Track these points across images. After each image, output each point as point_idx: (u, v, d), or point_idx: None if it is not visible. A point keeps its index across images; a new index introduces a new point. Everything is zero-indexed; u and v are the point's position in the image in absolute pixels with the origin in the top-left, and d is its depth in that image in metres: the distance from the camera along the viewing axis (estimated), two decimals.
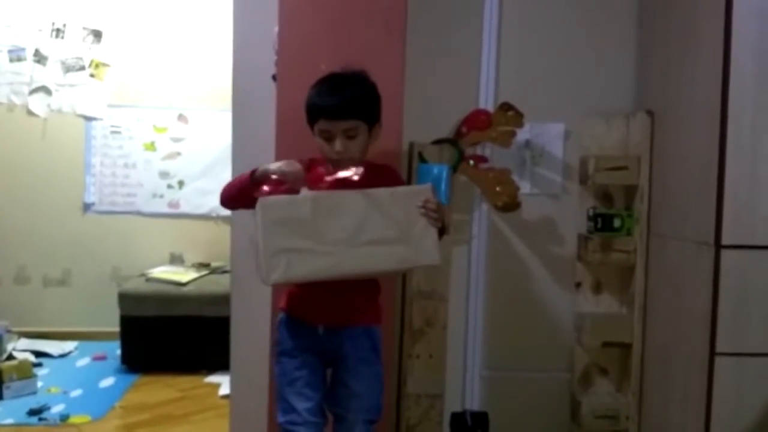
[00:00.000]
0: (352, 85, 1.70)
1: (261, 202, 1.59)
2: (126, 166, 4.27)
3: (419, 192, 1.67)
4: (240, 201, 1.73)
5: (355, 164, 1.69)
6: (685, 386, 2.09)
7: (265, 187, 1.65)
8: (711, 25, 1.97)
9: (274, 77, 2.14)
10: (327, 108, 1.66)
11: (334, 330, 1.75)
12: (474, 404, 2.51)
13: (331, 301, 1.72)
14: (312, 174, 1.72)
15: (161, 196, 4.30)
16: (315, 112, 1.68)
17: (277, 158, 2.03)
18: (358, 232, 1.60)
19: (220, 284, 3.65)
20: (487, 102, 2.43)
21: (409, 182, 2.21)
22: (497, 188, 2.31)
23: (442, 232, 1.69)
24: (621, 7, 2.50)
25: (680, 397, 2.12)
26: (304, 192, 1.63)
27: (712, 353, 1.95)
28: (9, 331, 3.76)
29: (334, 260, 1.59)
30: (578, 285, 2.51)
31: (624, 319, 2.44)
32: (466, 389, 2.51)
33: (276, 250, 1.57)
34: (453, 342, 2.43)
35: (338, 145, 1.66)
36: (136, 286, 3.77)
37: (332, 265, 1.59)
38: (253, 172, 1.68)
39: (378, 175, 1.73)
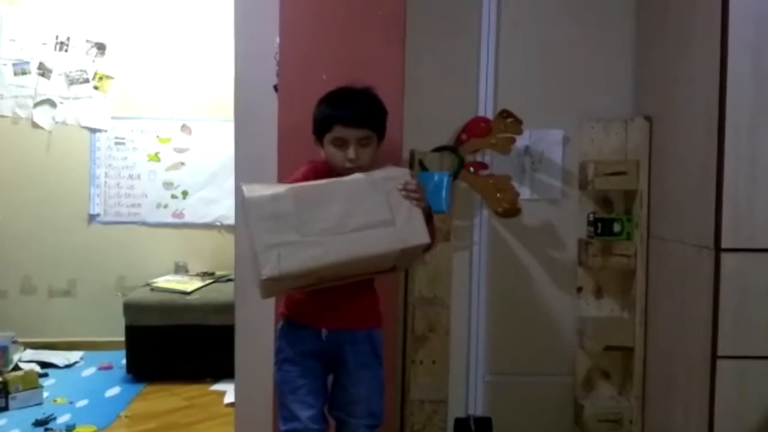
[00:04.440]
0: (367, 97, 1.75)
1: (246, 200, 1.59)
2: (130, 176, 4.29)
3: (397, 176, 1.67)
4: None
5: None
6: (687, 389, 2.10)
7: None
8: (707, 30, 1.99)
9: (275, 87, 2.16)
10: (346, 115, 1.69)
11: (337, 333, 1.76)
12: (477, 409, 2.52)
13: (334, 305, 1.73)
14: (321, 176, 1.72)
15: (165, 206, 4.33)
16: (330, 119, 1.70)
17: (280, 168, 2.06)
18: (344, 219, 1.60)
19: (224, 293, 3.66)
20: (486, 109, 2.46)
21: None
22: (497, 194, 2.33)
23: (430, 217, 1.70)
24: (618, 13, 2.52)
25: (683, 401, 2.13)
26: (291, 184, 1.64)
27: (714, 356, 1.95)
28: (15, 342, 3.77)
29: (323, 249, 1.58)
30: (579, 289, 2.53)
31: (625, 323, 2.45)
32: (469, 394, 2.52)
33: (266, 246, 1.56)
34: (456, 347, 2.44)
35: (352, 152, 1.68)
36: (141, 295, 3.78)
37: (322, 253, 1.58)
38: None
39: None
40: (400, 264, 1.78)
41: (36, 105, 4.18)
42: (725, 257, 1.94)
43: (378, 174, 1.67)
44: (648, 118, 2.39)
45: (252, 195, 1.59)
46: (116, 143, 4.27)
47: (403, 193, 1.64)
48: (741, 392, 1.95)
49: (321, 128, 1.73)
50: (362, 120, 1.70)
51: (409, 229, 1.63)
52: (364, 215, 1.61)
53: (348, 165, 1.69)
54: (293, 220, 1.58)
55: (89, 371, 3.78)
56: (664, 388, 2.27)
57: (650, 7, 2.43)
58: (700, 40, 2.06)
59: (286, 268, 1.57)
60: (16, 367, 3.54)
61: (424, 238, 1.65)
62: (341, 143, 1.70)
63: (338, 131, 1.69)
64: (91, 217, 4.26)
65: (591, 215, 2.45)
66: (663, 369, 2.29)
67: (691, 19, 2.12)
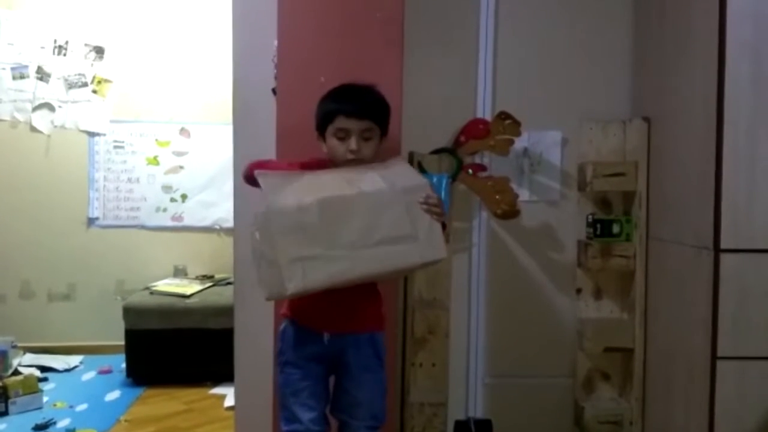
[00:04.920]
0: (370, 91, 1.76)
1: (270, 210, 1.57)
2: (129, 180, 4.30)
3: (419, 188, 1.68)
4: None
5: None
6: (687, 390, 2.10)
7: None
8: (705, 30, 1.99)
9: (274, 90, 2.16)
10: (348, 106, 1.70)
11: (339, 337, 1.76)
12: (477, 412, 2.51)
13: (337, 309, 1.72)
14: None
15: (164, 210, 4.33)
16: (333, 111, 1.71)
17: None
18: (369, 232, 1.59)
19: (223, 296, 3.67)
20: (484, 111, 2.46)
21: None
22: (496, 196, 2.33)
23: (444, 226, 1.71)
24: (616, 14, 2.52)
25: (683, 402, 2.12)
26: (308, 177, 1.63)
27: (714, 357, 1.95)
28: (14, 347, 3.77)
29: (348, 263, 1.57)
30: (579, 291, 2.52)
31: (625, 324, 2.45)
32: (469, 397, 2.52)
33: (291, 259, 1.54)
34: (455, 350, 2.44)
35: (353, 142, 1.69)
36: (140, 299, 3.78)
37: (348, 268, 1.57)
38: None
39: None
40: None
41: (34, 109, 4.18)
42: (724, 258, 1.93)
43: (399, 183, 1.66)
44: (646, 119, 2.39)
45: (276, 205, 1.57)
46: (115, 147, 4.28)
47: (425, 207, 1.65)
48: (741, 393, 1.95)
49: (323, 121, 1.74)
50: (364, 111, 1.71)
51: (430, 244, 1.64)
52: (387, 229, 1.61)
53: (349, 156, 1.70)
54: (318, 232, 1.56)
55: (89, 375, 3.78)
56: (664, 389, 2.27)
57: (648, 8, 2.43)
58: (698, 41, 2.06)
59: (311, 282, 1.56)
60: (16, 372, 3.53)
61: (442, 253, 1.67)
62: (343, 135, 1.70)
63: (340, 122, 1.70)
64: (90, 221, 4.26)
65: (590, 216, 2.44)
66: (663, 370, 2.28)
67: (689, 19, 2.12)
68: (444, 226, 1.71)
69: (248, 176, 1.74)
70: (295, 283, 1.54)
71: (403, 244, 1.61)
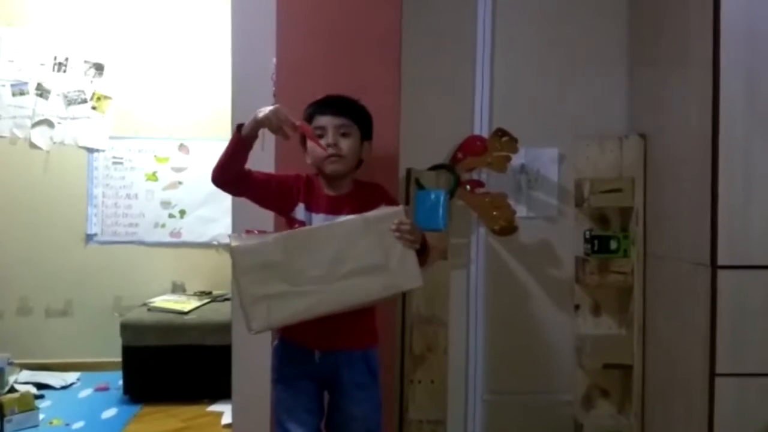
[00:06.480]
0: (348, 97, 1.79)
1: (233, 249, 1.56)
2: (128, 196, 4.30)
3: (392, 215, 1.62)
4: (233, 166, 1.75)
5: (345, 167, 1.73)
6: (686, 407, 2.09)
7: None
8: (700, 47, 2.01)
9: None
10: (324, 104, 1.74)
11: (330, 355, 1.75)
12: (476, 429, 2.50)
13: (327, 326, 1.69)
14: (311, 190, 1.76)
15: (163, 226, 4.33)
16: (311, 113, 1.75)
17: None
18: (336, 265, 1.57)
19: (221, 312, 3.64)
20: (481, 128, 2.47)
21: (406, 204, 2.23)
22: (494, 212, 2.34)
23: (422, 251, 1.67)
24: (612, 32, 2.55)
25: (682, 418, 2.12)
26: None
27: (712, 374, 1.95)
28: (11, 363, 3.74)
29: (315, 299, 1.56)
30: (577, 307, 2.52)
31: (624, 340, 2.45)
32: (468, 414, 2.51)
33: (255, 298, 1.54)
34: (454, 367, 2.43)
35: (330, 136, 1.71)
36: (138, 315, 3.76)
37: (314, 304, 1.56)
38: (239, 127, 1.71)
39: (368, 193, 1.77)
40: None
41: (34, 125, 4.19)
42: (722, 274, 1.94)
43: (372, 214, 1.63)
44: (642, 136, 2.40)
45: (238, 244, 1.57)
46: (114, 163, 4.28)
47: (397, 234, 1.60)
48: (740, 409, 1.94)
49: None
50: (340, 108, 1.74)
51: (402, 273, 1.61)
52: (357, 259, 1.58)
53: (327, 152, 1.70)
54: (283, 269, 1.56)
55: (86, 392, 3.75)
56: (664, 405, 2.26)
57: (643, 25, 2.45)
58: (693, 58, 2.08)
59: (276, 320, 1.57)
60: (12, 389, 3.50)
61: (416, 281, 1.63)
62: (321, 132, 1.72)
63: (317, 121, 1.73)
64: (89, 237, 4.26)
65: (587, 233, 2.45)
66: (662, 386, 2.28)
67: (684, 37, 2.14)
68: (424, 248, 1.67)
69: (216, 178, 1.80)
70: (259, 323, 1.55)
71: (374, 274, 1.59)
